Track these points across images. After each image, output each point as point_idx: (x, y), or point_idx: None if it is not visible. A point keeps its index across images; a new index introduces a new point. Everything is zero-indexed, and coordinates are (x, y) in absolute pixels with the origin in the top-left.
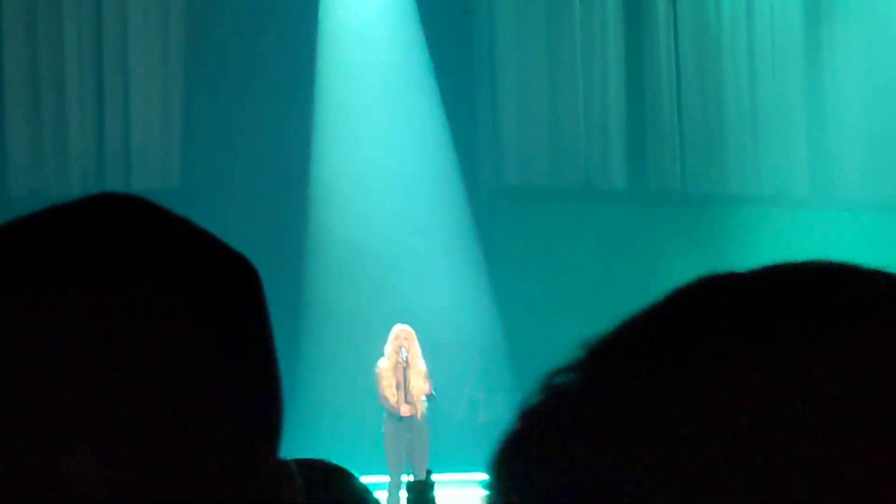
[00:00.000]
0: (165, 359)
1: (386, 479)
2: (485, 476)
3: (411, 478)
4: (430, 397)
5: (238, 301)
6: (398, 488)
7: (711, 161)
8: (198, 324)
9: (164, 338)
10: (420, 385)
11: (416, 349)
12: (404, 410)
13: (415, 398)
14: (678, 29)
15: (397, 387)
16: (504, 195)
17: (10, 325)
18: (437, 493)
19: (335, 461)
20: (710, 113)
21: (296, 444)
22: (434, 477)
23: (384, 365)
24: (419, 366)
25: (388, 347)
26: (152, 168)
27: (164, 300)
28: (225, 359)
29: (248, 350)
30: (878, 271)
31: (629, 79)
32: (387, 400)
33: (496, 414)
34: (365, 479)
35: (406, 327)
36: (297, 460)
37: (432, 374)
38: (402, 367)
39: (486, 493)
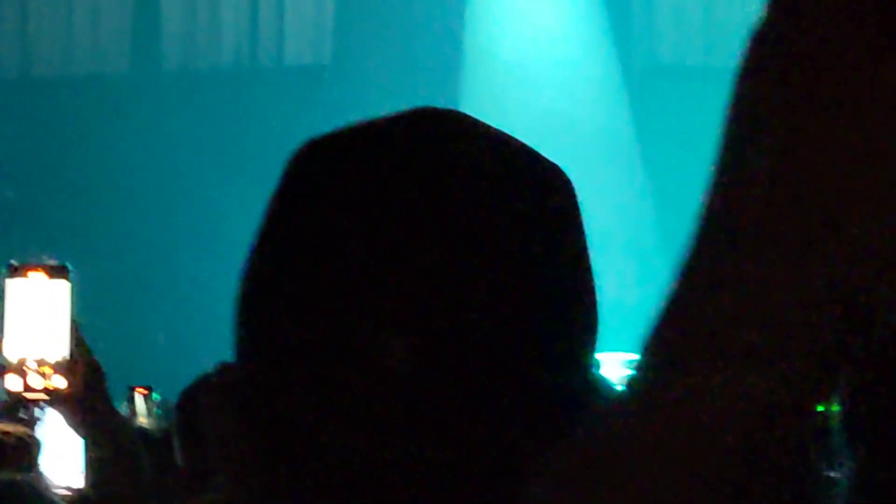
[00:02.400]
0: (489, 253)
1: None
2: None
3: None
4: None
5: (560, 209)
6: None
7: None
8: (524, 228)
9: (490, 234)
10: None
11: None
12: None
13: None
14: None
15: None
16: (658, 74)
17: (347, 222)
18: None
19: None
20: None
21: None
22: None
23: None
24: None
25: None
26: (304, 43)
27: (491, 204)
28: (549, 259)
29: (569, 252)
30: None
31: None
32: None
33: (647, 296)
34: None
35: None
36: None
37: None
38: None
39: None
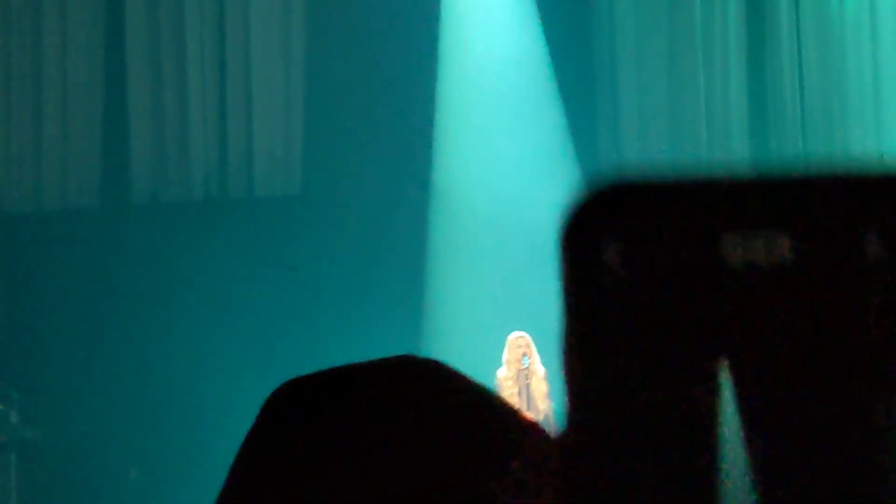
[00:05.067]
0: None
1: None
2: None
3: None
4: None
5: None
6: None
7: (833, 144)
8: (493, 475)
9: (461, 485)
10: (542, 389)
11: (536, 355)
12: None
13: (538, 403)
14: (800, 19)
15: (519, 394)
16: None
17: (334, 467)
18: None
19: None
20: (832, 98)
21: None
22: None
23: (504, 375)
24: (539, 372)
25: (507, 356)
26: (274, 174)
27: (462, 456)
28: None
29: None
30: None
31: (751, 67)
32: None
33: None
34: None
35: (524, 335)
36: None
37: (554, 379)
38: (524, 375)
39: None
